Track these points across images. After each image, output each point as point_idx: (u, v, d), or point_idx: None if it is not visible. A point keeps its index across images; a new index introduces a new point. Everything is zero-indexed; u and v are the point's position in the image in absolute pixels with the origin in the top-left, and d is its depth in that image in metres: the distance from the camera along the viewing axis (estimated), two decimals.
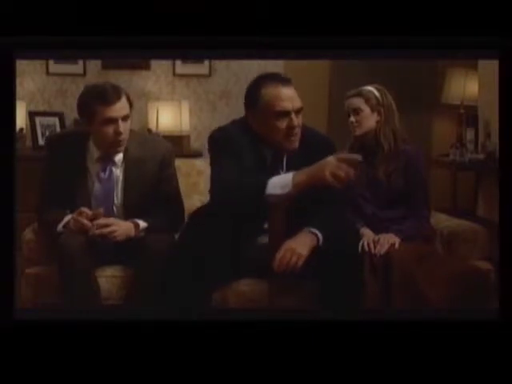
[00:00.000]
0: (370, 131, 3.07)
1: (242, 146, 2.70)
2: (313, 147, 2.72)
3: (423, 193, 3.10)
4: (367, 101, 3.05)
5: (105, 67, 5.50)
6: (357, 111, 3.06)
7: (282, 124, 2.65)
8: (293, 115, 2.64)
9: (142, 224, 2.85)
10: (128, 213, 2.91)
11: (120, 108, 2.79)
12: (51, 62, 5.52)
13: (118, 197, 2.93)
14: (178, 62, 5.58)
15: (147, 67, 5.59)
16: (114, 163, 2.91)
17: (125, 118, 2.82)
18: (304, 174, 2.53)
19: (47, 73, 5.56)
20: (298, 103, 2.66)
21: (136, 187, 2.91)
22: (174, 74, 5.62)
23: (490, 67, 4.22)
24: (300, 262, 2.57)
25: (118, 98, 2.79)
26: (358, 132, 3.07)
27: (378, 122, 3.07)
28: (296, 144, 2.69)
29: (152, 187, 2.93)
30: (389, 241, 2.88)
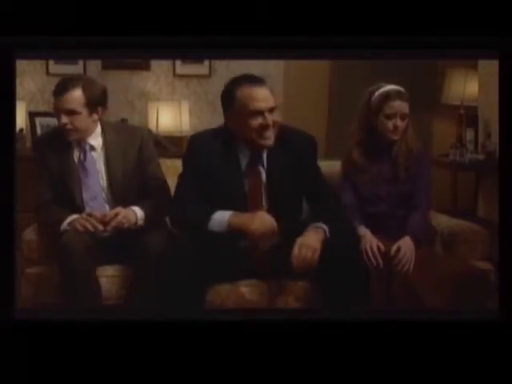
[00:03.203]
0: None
1: (214, 151, 2.81)
2: (295, 145, 2.86)
3: (429, 192, 3.09)
4: (409, 105, 3.00)
5: (105, 67, 5.50)
6: (404, 116, 2.99)
7: (256, 123, 2.74)
8: (266, 114, 2.73)
9: (139, 212, 2.91)
10: (115, 194, 3.00)
11: (66, 100, 2.89)
12: (51, 63, 5.51)
13: (103, 179, 3.01)
14: (178, 63, 5.58)
15: (147, 68, 5.59)
16: (92, 147, 3.02)
17: (70, 112, 2.90)
18: (239, 218, 2.69)
19: (47, 73, 5.55)
20: (271, 103, 2.75)
21: (118, 170, 3.01)
22: (174, 75, 5.62)
23: (490, 67, 4.22)
24: (316, 256, 2.63)
25: (66, 91, 2.89)
26: (397, 136, 3.02)
27: (407, 126, 3.03)
28: (270, 141, 2.78)
29: (134, 169, 3.02)
30: (412, 252, 2.87)
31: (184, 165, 2.89)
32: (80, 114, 2.92)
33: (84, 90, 2.91)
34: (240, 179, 2.81)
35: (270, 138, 2.77)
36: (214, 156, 2.80)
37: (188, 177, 2.84)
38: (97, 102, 2.96)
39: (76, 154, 3.00)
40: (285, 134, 2.84)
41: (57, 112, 2.92)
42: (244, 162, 2.83)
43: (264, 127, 2.73)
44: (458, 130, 5.41)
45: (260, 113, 2.72)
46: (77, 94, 2.90)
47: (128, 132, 3.11)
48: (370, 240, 2.90)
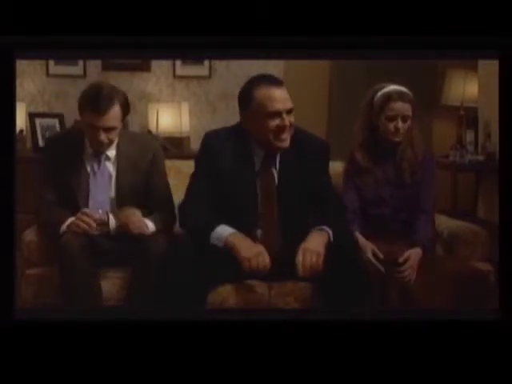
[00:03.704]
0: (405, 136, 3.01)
1: (227, 150, 2.79)
2: (308, 149, 2.84)
3: (433, 195, 3.08)
4: (412, 107, 2.96)
5: (105, 69, 5.50)
6: (405, 118, 2.95)
7: (273, 124, 2.72)
8: (284, 115, 2.72)
9: (151, 225, 2.88)
10: (121, 205, 2.95)
11: (107, 119, 2.84)
12: (51, 64, 5.51)
13: (112, 189, 2.98)
14: (178, 64, 5.58)
15: (147, 69, 5.59)
16: (107, 157, 2.98)
17: (110, 129, 2.86)
18: (236, 241, 2.66)
19: (47, 74, 5.55)
20: (289, 104, 2.74)
21: (127, 182, 2.98)
22: (174, 76, 5.62)
23: (490, 68, 4.22)
24: (320, 261, 2.62)
25: (108, 109, 2.82)
26: (399, 138, 2.98)
27: (411, 128, 3.00)
28: (287, 143, 2.77)
29: (142, 182, 3.00)
30: (418, 262, 2.85)
31: (197, 163, 2.88)
32: (117, 128, 2.90)
33: (120, 105, 2.87)
34: (253, 179, 2.80)
35: (286, 139, 2.75)
36: (227, 155, 2.79)
37: (200, 176, 2.83)
38: (127, 111, 2.94)
39: (89, 163, 2.97)
40: (298, 137, 2.83)
41: (93, 128, 2.85)
42: (258, 163, 2.82)
43: (281, 129, 2.72)
44: (458, 131, 5.41)
45: (278, 114, 2.71)
46: (116, 110, 2.85)
47: (140, 144, 3.05)
48: (364, 246, 2.89)
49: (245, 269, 2.62)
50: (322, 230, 2.72)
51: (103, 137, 2.86)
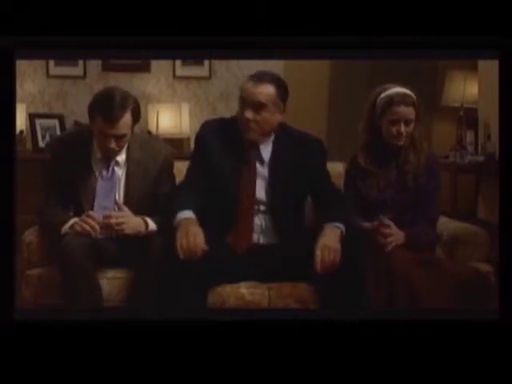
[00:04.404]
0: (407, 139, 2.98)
1: (217, 140, 2.86)
2: (302, 148, 2.87)
3: (438, 197, 3.06)
4: (416, 110, 2.91)
5: (105, 69, 5.50)
6: (408, 122, 2.90)
7: (242, 116, 2.78)
8: (248, 109, 2.75)
9: (151, 224, 2.86)
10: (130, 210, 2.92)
11: (118, 127, 2.82)
12: (51, 65, 5.52)
13: (119, 195, 2.95)
14: (178, 65, 5.59)
15: (147, 69, 5.59)
16: (117, 162, 2.95)
17: (121, 136, 2.85)
18: (182, 225, 2.68)
19: (47, 75, 5.55)
20: (259, 98, 2.75)
21: (137, 187, 2.96)
22: (174, 77, 5.63)
23: (490, 69, 4.22)
24: (338, 258, 2.62)
25: (120, 117, 2.80)
26: (402, 142, 2.93)
27: (414, 131, 2.96)
28: (250, 135, 2.80)
29: (152, 187, 2.97)
30: (397, 240, 2.85)
31: (193, 149, 2.97)
32: (128, 135, 2.89)
33: (132, 112, 2.85)
34: (236, 171, 2.82)
35: (250, 132, 2.79)
36: (218, 144, 2.84)
37: (191, 164, 2.92)
38: (138, 118, 2.93)
39: (98, 167, 2.94)
40: (293, 137, 2.87)
41: (104, 136, 2.83)
42: (245, 155, 2.85)
43: (246, 121, 2.76)
44: (458, 132, 5.41)
45: (244, 106, 2.76)
46: (127, 118, 2.83)
47: (151, 148, 3.03)
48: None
49: (179, 254, 2.61)
50: (335, 227, 2.72)
51: (113, 145, 2.84)
